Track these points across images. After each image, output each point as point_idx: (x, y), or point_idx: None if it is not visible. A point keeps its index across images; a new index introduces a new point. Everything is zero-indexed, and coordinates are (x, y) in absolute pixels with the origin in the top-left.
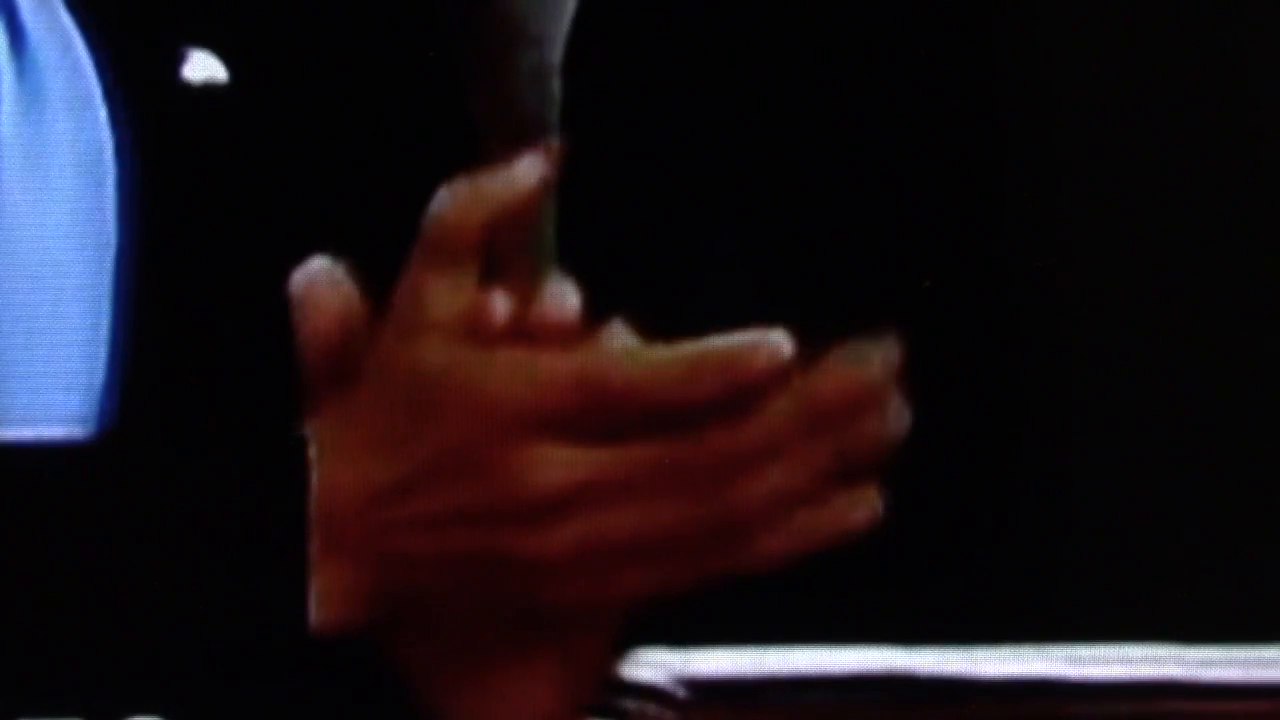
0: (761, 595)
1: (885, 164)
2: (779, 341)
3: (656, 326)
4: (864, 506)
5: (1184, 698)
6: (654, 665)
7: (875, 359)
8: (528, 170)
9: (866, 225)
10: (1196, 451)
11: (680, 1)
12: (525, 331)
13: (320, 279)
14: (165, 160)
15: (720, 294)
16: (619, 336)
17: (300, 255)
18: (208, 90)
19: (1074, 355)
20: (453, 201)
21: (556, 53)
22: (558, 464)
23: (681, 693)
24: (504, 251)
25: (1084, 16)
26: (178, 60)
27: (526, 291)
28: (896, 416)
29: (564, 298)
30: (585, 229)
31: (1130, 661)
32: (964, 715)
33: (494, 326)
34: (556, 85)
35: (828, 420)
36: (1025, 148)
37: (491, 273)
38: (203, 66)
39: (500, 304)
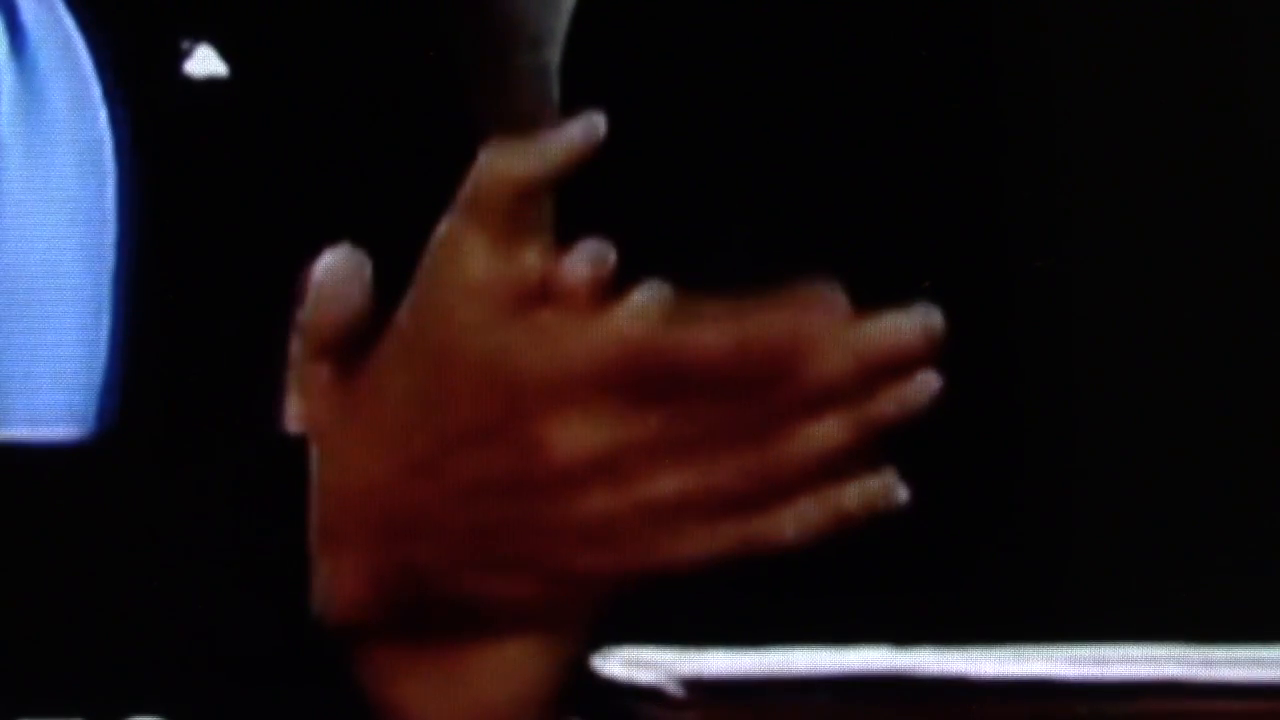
0: (761, 595)
1: (885, 161)
2: (830, 296)
3: None
4: (884, 492)
5: (1184, 698)
6: (654, 665)
7: (912, 325)
8: (569, 138)
9: (867, 227)
10: (1197, 451)
11: (679, 1)
12: (557, 294)
13: (328, 272)
14: (166, 159)
15: (719, 294)
16: (653, 293)
17: (299, 254)
18: (208, 90)
19: (1074, 356)
20: (495, 162)
21: (555, 53)
22: (578, 434)
23: (681, 693)
24: (527, 226)
25: (1085, 15)
26: (178, 60)
27: (551, 264)
28: (927, 385)
29: (592, 258)
30: (584, 229)
31: (1130, 661)
32: (964, 715)
33: (524, 292)
34: (555, 85)
35: (857, 385)
36: (1030, 146)
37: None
38: (203, 66)
39: (530, 270)
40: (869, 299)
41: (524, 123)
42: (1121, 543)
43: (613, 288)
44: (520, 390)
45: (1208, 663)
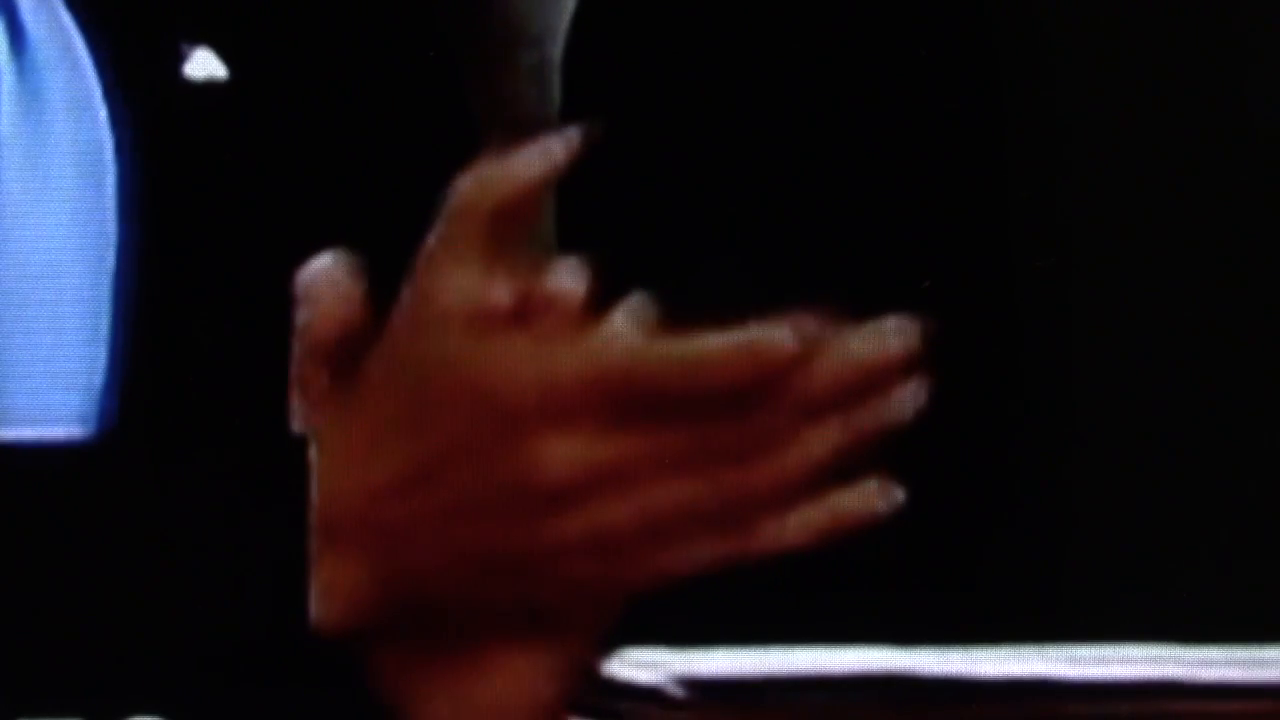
0: (761, 595)
1: (886, 160)
2: (787, 336)
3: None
4: (878, 495)
5: (1184, 698)
6: (654, 665)
7: (894, 337)
8: (547, 153)
9: (867, 224)
10: (1196, 451)
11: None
12: (535, 317)
13: (323, 275)
14: (165, 159)
15: (720, 290)
16: (636, 310)
17: (300, 254)
18: (208, 89)
19: (1074, 355)
20: (471, 186)
21: (556, 51)
22: (568, 452)
23: (681, 693)
24: (508, 245)
25: (1085, 16)
26: (178, 59)
27: (531, 284)
28: (913, 395)
29: (572, 276)
30: (585, 227)
31: (1130, 661)
32: (964, 715)
33: (505, 314)
34: (556, 83)
35: (842, 397)
36: (1030, 146)
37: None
38: (203, 65)
39: (511, 292)
40: (869, 299)
41: (525, 122)
42: (1121, 543)
43: (602, 297)
44: (505, 408)
45: (1208, 663)
